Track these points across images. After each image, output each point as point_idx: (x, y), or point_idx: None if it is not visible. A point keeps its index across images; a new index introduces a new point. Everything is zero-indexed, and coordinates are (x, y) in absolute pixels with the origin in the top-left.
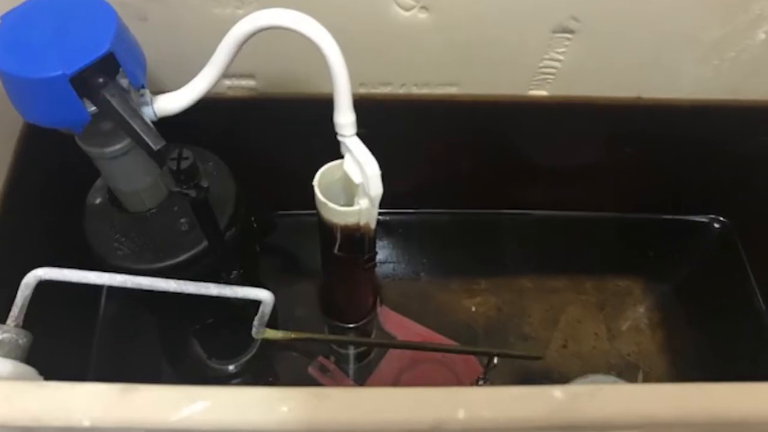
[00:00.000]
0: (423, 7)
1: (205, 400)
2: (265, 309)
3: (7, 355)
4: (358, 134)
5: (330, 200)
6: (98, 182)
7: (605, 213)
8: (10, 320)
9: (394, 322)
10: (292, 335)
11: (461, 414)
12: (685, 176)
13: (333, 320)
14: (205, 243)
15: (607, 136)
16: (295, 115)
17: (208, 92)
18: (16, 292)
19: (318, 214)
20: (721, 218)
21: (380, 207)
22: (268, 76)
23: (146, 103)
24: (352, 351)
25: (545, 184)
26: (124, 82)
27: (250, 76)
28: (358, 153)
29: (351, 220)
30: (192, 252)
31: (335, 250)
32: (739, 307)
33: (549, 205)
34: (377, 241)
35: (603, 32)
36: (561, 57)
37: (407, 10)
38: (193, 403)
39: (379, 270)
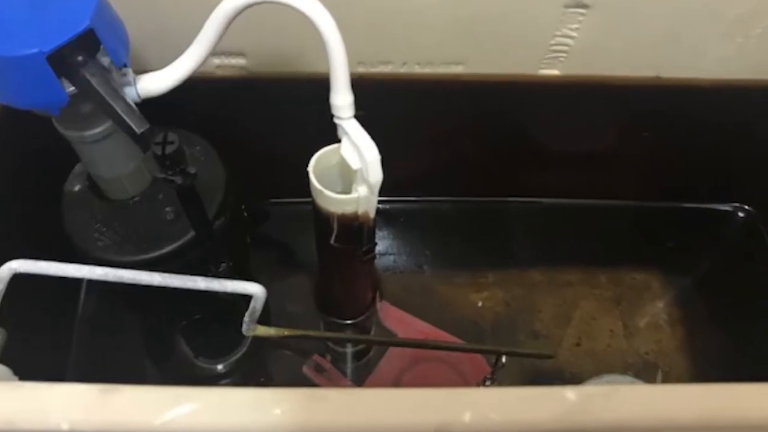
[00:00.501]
0: None
1: (191, 401)
2: (257, 304)
3: None
4: (357, 117)
5: (326, 187)
6: (77, 168)
7: (621, 201)
8: None
9: (394, 318)
10: (286, 332)
11: (467, 416)
12: (707, 161)
13: (329, 316)
14: (192, 233)
15: (623, 119)
16: (288, 96)
17: (196, 71)
18: None
19: (313, 203)
20: (746, 207)
21: (380, 194)
22: (260, 55)
23: (129, 83)
24: (349, 349)
25: (557, 170)
26: (105, 60)
27: (241, 54)
28: (356, 137)
29: (348, 209)
30: (178, 243)
31: (332, 241)
32: (765, 301)
33: (561, 193)
34: (377, 231)
35: (619, 7)
36: (574, 33)
37: None
38: (179, 405)
39: (379, 262)
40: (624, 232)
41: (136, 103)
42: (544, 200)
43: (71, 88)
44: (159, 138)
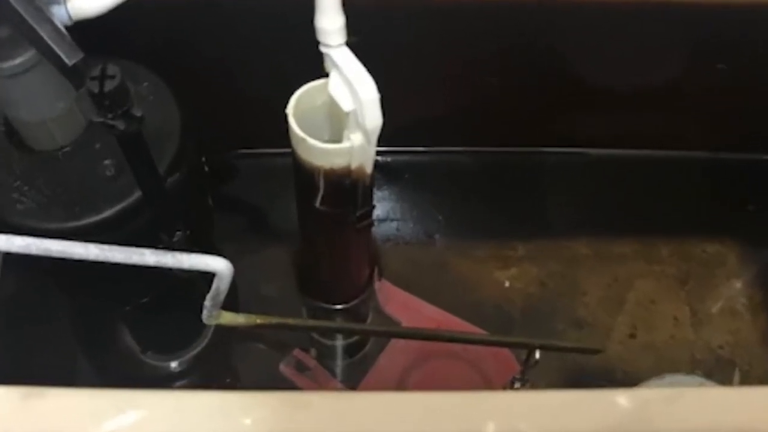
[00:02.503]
0: None
1: (137, 408)
2: (221, 284)
3: None
4: (349, 44)
5: (310, 135)
6: None
7: (688, 152)
8: None
9: (397, 303)
10: (258, 320)
11: (490, 428)
12: None
13: (314, 300)
14: (138, 193)
15: (691, 47)
16: (262, 19)
17: None
18: None
19: (293, 155)
20: None
21: (379, 144)
22: None
23: (57, 2)
24: (339, 342)
25: (605, 113)
26: None
27: None
28: (349, 70)
29: (338, 162)
30: (120, 206)
31: (317, 204)
32: None
33: (610, 142)
34: (374, 191)
35: None
36: None
37: None
38: (122, 413)
39: (377, 231)
40: (692, 192)
41: (67, 27)
42: (589, 151)
43: None
44: (96, 71)
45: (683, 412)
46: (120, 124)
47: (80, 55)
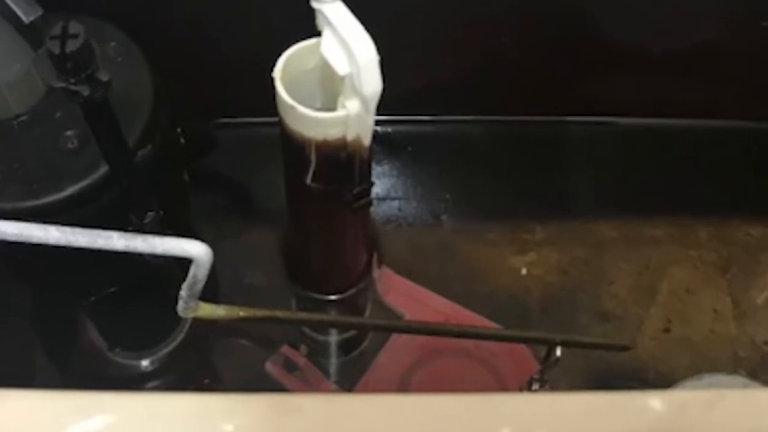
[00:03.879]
0: None
1: (104, 413)
2: (198, 272)
3: None
4: None
5: (300, 102)
6: None
7: (730, 121)
8: None
9: (399, 292)
10: (241, 313)
11: None
12: None
13: (305, 289)
14: (104, 169)
15: (734, 1)
16: None
17: None
18: None
19: (281, 124)
20: None
21: (378, 112)
22: None
23: None
24: (333, 337)
25: (636, 77)
26: None
27: None
28: (344, 27)
29: (332, 133)
30: (84, 183)
31: (308, 180)
32: None
33: (642, 110)
34: (373, 166)
35: None
36: None
37: None
38: (87, 417)
39: (376, 211)
40: (734, 167)
41: None
42: (618, 120)
43: None
44: (56, 30)
45: (724, 417)
46: (84, 90)
47: (39, 12)
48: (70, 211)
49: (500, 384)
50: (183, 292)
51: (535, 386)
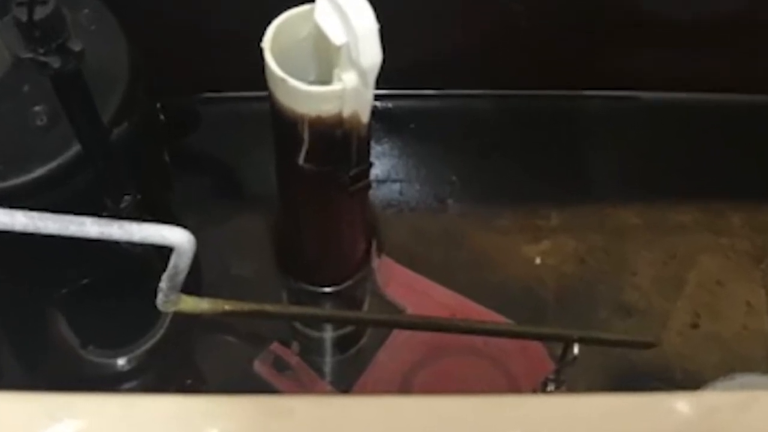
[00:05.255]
0: None
1: (76, 417)
2: (180, 261)
3: None
4: None
5: (292, 75)
6: None
7: (762, 96)
8: None
9: (401, 284)
10: (226, 306)
11: None
12: None
13: (297, 281)
14: (76, 148)
15: None
16: None
17: None
18: None
19: (272, 99)
20: None
21: (378, 86)
22: None
23: None
24: (328, 333)
25: (661, 48)
26: None
27: None
28: None
29: (328, 109)
30: (54, 163)
31: (301, 161)
32: None
33: (667, 84)
34: (372, 145)
35: None
36: None
37: None
38: (57, 421)
39: (376, 195)
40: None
41: None
42: (641, 95)
43: None
44: None
45: (758, 421)
46: (54, 61)
47: None
48: (39, 194)
49: (511, 385)
50: (163, 284)
51: (550, 387)
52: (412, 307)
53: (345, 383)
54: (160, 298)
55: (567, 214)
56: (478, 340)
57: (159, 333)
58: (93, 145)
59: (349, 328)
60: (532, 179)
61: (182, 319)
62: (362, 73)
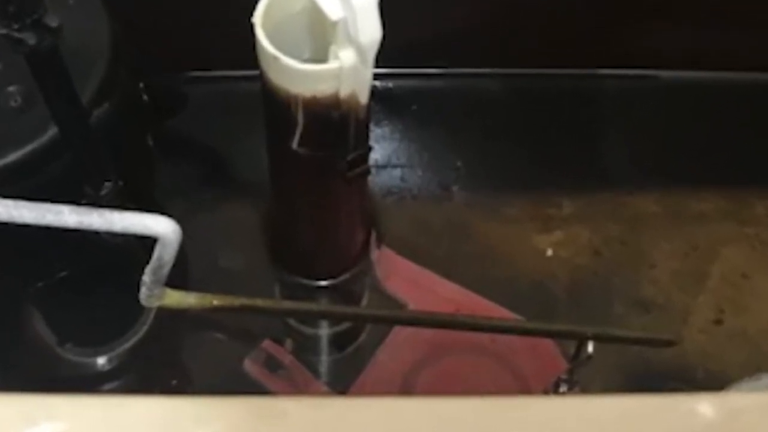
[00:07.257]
0: None
1: (53, 419)
2: (165, 253)
3: None
4: None
5: (285, 52)
6: None
7: None
8: None
9: (402, 277)
10: (215, 301)
11: None
12: None
13: (290, 273)
14: (53, 131)
15: None
16: None
17: None
18: None
19: (263, 78)
20: None
21: (377, 65)
22: None
23: None
24: (324, 330)
25: (682, 24)
26: None
27: None
28: None
29: (323, 89)
30: (29, 147)
31: (294, 145)
32: None
33: (688, 61)
34: (371, 128)
35: None
36: None
37: None
38: (33, 425)
39: (376, 181)
40: None
41: None
42: (660, 74)
43: None
44: None
45: None
46: (29, 38)
47: None
48: (14, 181)
49: (521, 385)
50: (146, 277)
51: (563, 388)
52: (413, 302)
53: (342, 384)
54: (144, 292)
55: (580, 202)
56: (484, 338)
57: (142, 330)
58: (71, 128)
59: (346, 325)
60: (543, 165)
61: (167, 314)
62: (361, 51)
